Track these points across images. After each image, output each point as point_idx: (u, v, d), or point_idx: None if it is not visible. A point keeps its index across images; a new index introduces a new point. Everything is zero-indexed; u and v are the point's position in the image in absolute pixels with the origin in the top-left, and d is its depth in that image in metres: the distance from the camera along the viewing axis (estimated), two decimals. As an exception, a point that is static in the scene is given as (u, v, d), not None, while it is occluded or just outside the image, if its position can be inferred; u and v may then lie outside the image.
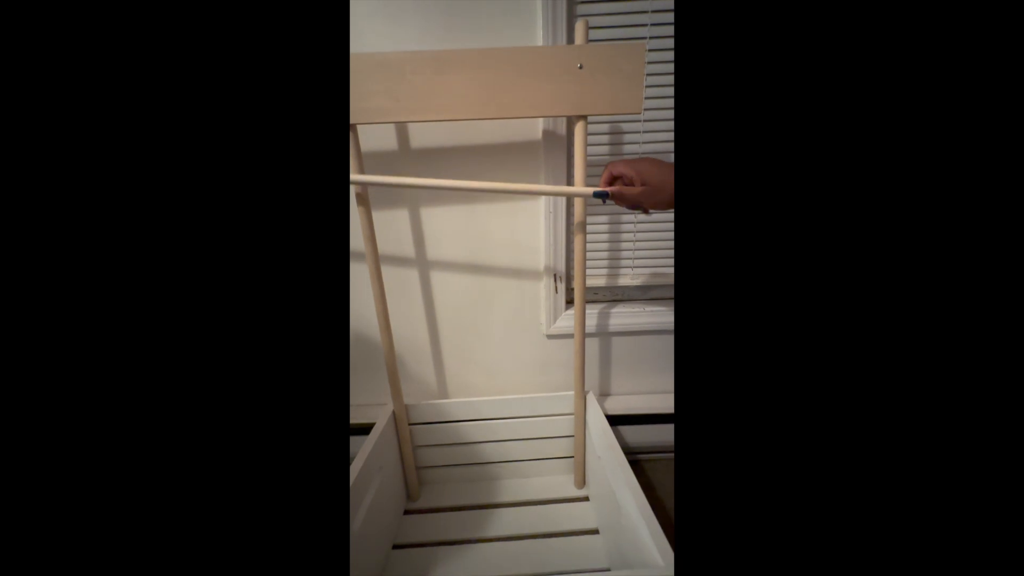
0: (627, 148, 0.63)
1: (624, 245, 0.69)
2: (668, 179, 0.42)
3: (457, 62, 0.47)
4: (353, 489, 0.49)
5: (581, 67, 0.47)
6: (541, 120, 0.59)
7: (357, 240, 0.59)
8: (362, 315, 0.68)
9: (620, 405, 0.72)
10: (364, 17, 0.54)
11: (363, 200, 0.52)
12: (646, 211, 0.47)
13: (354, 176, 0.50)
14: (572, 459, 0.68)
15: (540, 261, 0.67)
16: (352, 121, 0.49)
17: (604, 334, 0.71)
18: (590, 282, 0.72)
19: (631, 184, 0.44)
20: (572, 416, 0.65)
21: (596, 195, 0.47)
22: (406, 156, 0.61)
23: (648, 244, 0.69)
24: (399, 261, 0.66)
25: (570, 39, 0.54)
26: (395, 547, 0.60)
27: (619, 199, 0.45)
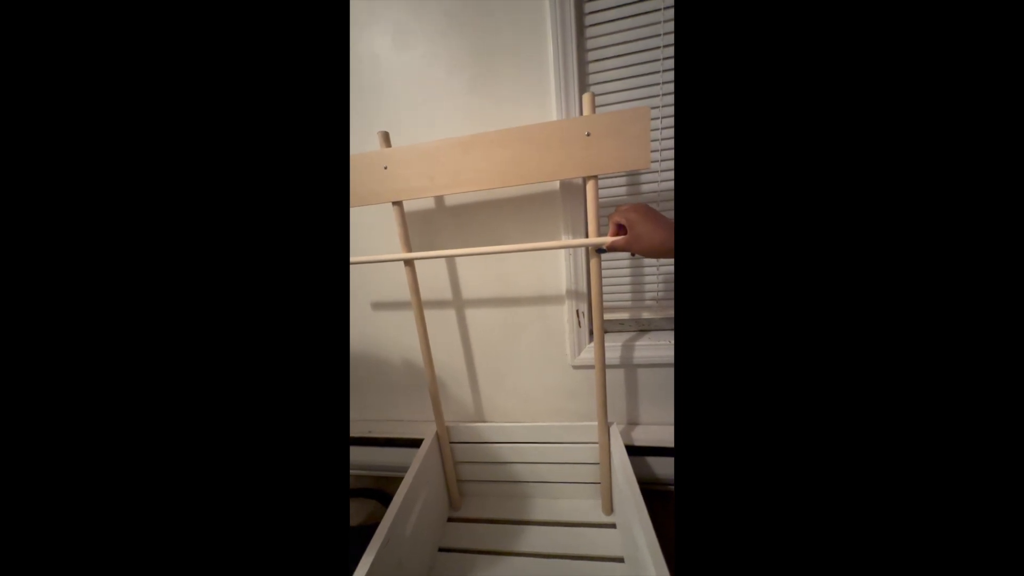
0: (645, 188, 0.66)
1: (647, 277, 0.72)
2: (651, 228, 0.45)
3: (480, 144, 0.55)
4: (405, 497, 0.59)
5: (589, 135, 0.52)
6: (559, 173, 0.65)
7: (404, 286, 0.70)
8: (412, 346, 0.80)
9: (648, 436, 0.74)
10: (405, 108, 0.65)
11: (409, 263, 0.64)
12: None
13: (403, 254, 0.62)
14: (600, 484, 0.72)
15: (563, 296, 0.72)
16: (398, 199, 0.60)
17: (629, 366, 0.74)
18: (613, 316, 0.75)
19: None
20: (598, 444, 0.69)
21: (598, 251, 0.52)
22: (442, 212, 0.71)
23: (671, 273, 0.71)
24: (439, 297, 0.77)
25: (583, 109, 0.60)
26: (440, 550, 0.69)
27: (614, 249, 0.50)
